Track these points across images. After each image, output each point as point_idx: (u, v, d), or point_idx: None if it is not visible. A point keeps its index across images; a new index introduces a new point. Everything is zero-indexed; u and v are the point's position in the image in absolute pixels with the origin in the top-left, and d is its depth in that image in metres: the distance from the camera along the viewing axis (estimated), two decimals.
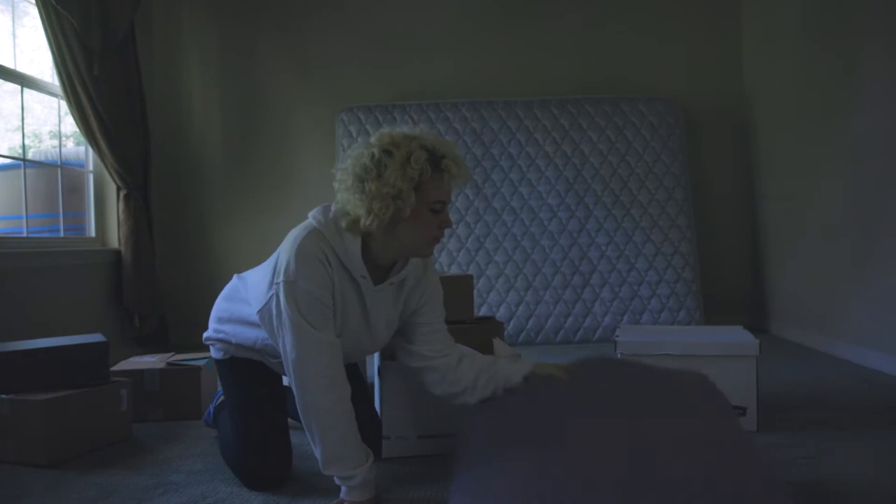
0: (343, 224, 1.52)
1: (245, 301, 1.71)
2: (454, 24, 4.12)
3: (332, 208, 1.57)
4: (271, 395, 1.78)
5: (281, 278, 1.51)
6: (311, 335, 1.49)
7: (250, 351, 1.75)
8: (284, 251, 1.54)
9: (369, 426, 1.83)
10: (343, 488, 1.54)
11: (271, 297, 1.56)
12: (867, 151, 2.94)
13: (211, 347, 1.86)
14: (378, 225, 1.47)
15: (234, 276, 1.84)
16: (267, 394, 1.77)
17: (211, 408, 2.14)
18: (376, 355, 2.00)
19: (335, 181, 1.53)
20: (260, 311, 1.62)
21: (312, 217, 1.57)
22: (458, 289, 2.55)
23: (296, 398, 1.53)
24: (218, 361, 1.85)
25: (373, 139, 1.52)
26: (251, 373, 1.77)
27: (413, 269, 1.63)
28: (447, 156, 1.50)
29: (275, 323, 1.55)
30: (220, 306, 1.83)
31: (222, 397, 2.12)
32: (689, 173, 3.97)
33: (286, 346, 1.51)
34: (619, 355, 2.13)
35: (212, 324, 1.84)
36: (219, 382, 1.98)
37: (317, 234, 1.52)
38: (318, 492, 1.66)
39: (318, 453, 1.53)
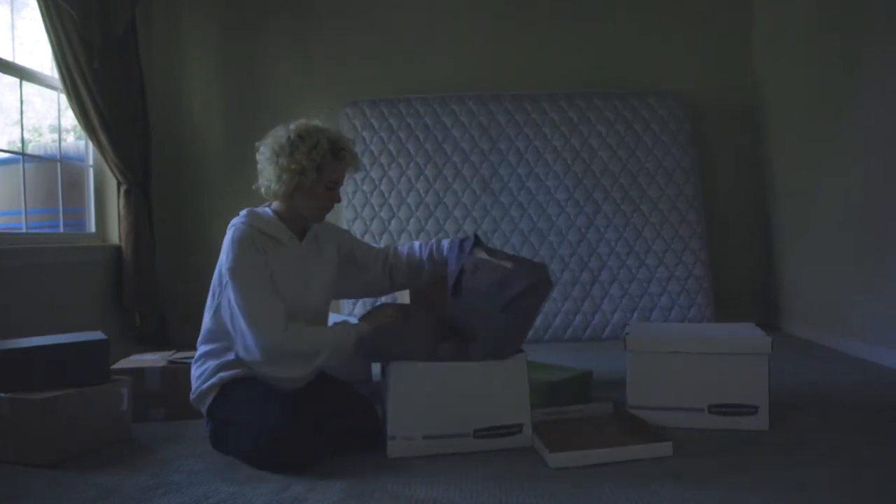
0: (263, 193, 1.95)
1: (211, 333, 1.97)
2: (460, 16, 4.08)
3: (243, 211, 1.96)
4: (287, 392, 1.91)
5: (226, 270, 1.85)
6: (266, 306, 1.82)
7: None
8: (223, 253, 1.90)
9: (364, 417, 1.96)
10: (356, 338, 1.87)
11: (222, 293, 1.88)
12: (878, 147, 2.91)
13: (206, 399, 1.93)
14: (284, 191, 1.89)
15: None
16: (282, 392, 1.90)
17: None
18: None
19: (257, 153, 1.95)
20: (214, 311, 1.92)
21: (235, 220, 1.95)
22: None
23: (264, 366, 1.83)
24: (214, 401, 1.91)
25: (291, 125, 1.92)
26: (255, 382, 1.89)
27: (316, 227, 2.03)
28: (345, 148, 1.93)
29: (228, 314, 1.86)
30: (199, 356, 1.99)
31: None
32: (698, 168, 3.93)
33: (244, 326, 1.81)
34: (628, 354, 2.10)
35: (201, 378, 1.94)
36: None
37: (242, 224, 1.91)
38: (321, 491, 1.63)
39: (323, 358, 1.85)
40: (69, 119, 3.41)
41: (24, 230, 3.07)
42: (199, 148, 4.07)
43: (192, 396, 1.97)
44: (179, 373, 2.32)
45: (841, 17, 3.19)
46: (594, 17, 4.09)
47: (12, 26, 3.16)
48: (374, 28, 4.08)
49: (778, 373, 2.61)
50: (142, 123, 3.56)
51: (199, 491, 1.66)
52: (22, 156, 3.13)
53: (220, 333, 1.92)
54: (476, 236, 2.07)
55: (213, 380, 1.90)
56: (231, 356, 1.90)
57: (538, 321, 3.70)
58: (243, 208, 2.06)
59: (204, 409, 1.95)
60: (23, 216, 3.07)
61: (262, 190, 1.95)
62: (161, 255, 3.79)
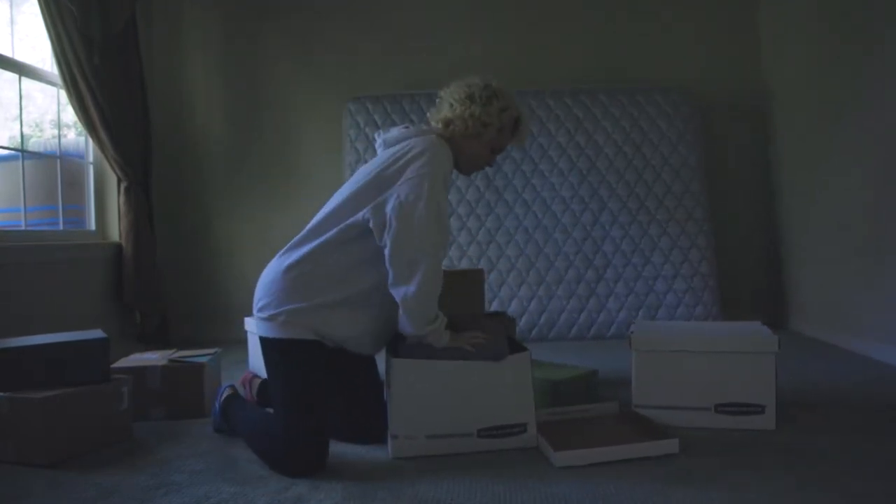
0: (433, 125, 1.99)
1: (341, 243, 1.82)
2: (464, 11, 4.05)
3: (424, 125, 2.00)
4: (329, 388, 1.88)
5: (425, 169, 1.78)
6: (444, 212, 1.81)
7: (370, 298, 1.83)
8: (414, 154, 1.81)
9: (379, 420, 1.93)
10: (431, 338, 1.84)
11: (402, 185, 1.78)
12: (887, 143, 2.88)
13: (280, 326, 1.80)
14: (460, 133, 1.94)
15: (286, 261, 1.84)
16: (326, 387, 1.85)
17: (216, 404, 2.09)
18: (384, 354, 1.99)
19: (447, 88, 2.01)
20: (374, 207, 1.78)
21: (417, 129, 1.96)
22: (469, 283, 2.50)
23: (407, 262, 1.75)
24: (278, 341, 1.80)
25: (493, 82, 1.98)
26: (317, 360, 1.82)
27: None
28: (526, 125, 2.04)
29: (402, 212, 1.76)
30: (294, 277, 1.82)
31: (228, 390, 2.09)
32: (705, 165, 3.90)
33: (420, 217, 1.75)
34: (633, 353, 2.08)
35: (277, 297, 1.81)
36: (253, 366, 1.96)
37: (441, 141, 1.90)
38: (324, 491, 1.62)
39: (423, 314, 1.80)
40: (69, 115, 3.39)
41: (23, 227, 3.05)
42: (199, 147, 4.05)
43: (259, 303, 1.85)
44: (180, 372, 2.31)
45: (847, 14, 3.16)
46: (599, 13, 4.06)
47: (11, 21, 3.14)
48: (375, 25, 4.05)
49: (785, 372, 2.59)
50: (142, 121, 3.54)
51: (200, 491, 1.64)
52: (21, 152, 3.11)
53: (357, 241, 1.81)
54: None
55: (290, 332, 1.79)
56: (339, 293, 1.80)
57: (543, 319, 3.68)
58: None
59: (261, 333, 1.85)
60: (22, 213, 3.05)
61: (436, 122, 1.99)
62: (161, 254, 3.77)
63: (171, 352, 2.54)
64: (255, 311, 1.88)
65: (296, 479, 1.71)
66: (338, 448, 1.91)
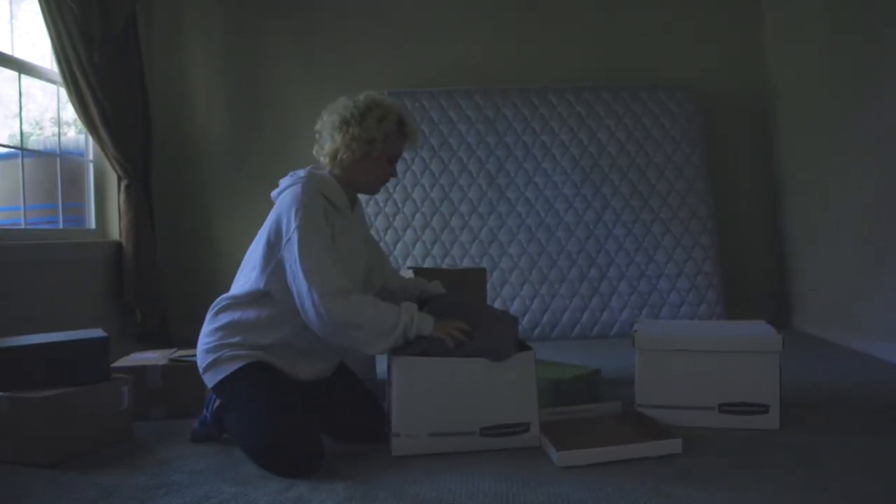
0: (323, 161, 1.94)
1: (244, 302, 1.88)
2: (467, 9, 4.04)
3: (301, 172, 1.92)
4: (293, 394, 1.86)
5: (294, 225, 1.78)
6: (325, 258, 1.78)
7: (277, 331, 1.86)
8: (285, 211, 1.82)
9: (372, 418, 1.96)
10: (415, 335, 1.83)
11: (282, 251, 1.80)
12: (887, 143, 2.87)
13: (213, 371, 1.85)
14: (349, 159, 1.89)
15: (210, 314, 1.93)
16: (289, 393, 1.85)
17: (206, 413, 2.03)
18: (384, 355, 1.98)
19: (320, 121, 1.94)
20: (266, 272, 1.83)
21: (293, 178, 1.90)
22: (471, 282, 2.50)
23: (322, 321, 1.74)
24: (227, 379, 1.83)
25: (359, 96, 1.93)
26: (270, 375, 1.85)
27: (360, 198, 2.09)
28: (410, 124, 1.97)
29: (291, 274, 1.78)
30: (218, 328, 1.89)
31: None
32: (709, 163, 3.89)
33: (303, 276, 1.74)
34: (637, 352, 2.07)
35: (213, 345, 1.87)
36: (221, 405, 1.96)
37: (308, 184, 1.85)
38: (325, 491, 1.61)
39: (377, 343, 1.80)
40: (69, 113, 3.38)
41: (23, 226, 3.05)
42: (199, 147, 4.04)
43: (201, 363, 1.89)
44: (180, 371, 2.30)
45: (848, 14, 3.16)
46: (600, 13, 4.05)
47: (11, 18, 3.13)
48: (376, 23, 4.05)
49: (789, 371, 2.58)
50: (142, 119, 3.53)
51: (200, 491, 1.63)
52: (21, 151, 3.11)
53: (264, 300, 1.85)
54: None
55: (234, 363, 1.83)
56: (267, 339, 1.84)
57: (546, 318, 3.68)
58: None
59: (210, 384, 1.88)
60: (22, 212, 3.05)
61: (324, 158, 1.94)
62: (161, 254, 3.76)
63: (171, 351, 2.53)
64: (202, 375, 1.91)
65: (296, 480, 1.70)
66: (339, 448, 1.90)
